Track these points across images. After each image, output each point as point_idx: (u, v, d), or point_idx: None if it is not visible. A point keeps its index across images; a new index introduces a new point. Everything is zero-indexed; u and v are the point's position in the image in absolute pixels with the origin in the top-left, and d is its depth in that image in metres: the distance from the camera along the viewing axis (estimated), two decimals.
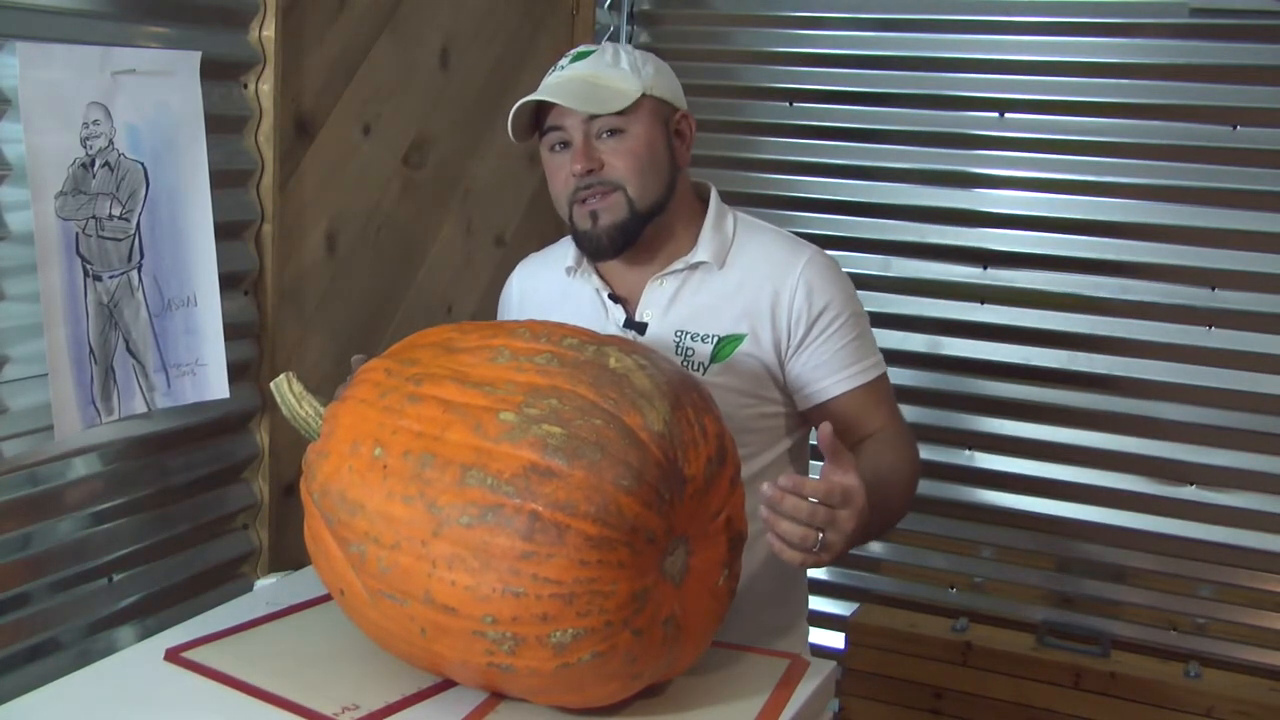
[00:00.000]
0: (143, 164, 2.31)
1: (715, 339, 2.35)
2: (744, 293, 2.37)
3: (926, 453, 3.74)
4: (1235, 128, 3.44)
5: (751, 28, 3.95)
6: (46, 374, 2.18)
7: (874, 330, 3.73)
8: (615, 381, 1.76)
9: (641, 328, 2.39)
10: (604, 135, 2.30)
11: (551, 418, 1.70)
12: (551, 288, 2.52)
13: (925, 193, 3.76)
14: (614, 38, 3.96)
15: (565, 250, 2.50)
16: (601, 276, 2.46)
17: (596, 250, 2.37)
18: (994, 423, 3.75)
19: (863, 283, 3.80)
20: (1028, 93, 3.64)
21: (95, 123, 2.21)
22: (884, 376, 2.44)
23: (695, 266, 2.39)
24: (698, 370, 2.35)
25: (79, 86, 2.19)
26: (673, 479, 1.74)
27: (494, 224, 3.48)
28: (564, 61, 2.39)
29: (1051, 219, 3.64)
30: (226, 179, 2.55)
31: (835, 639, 3.72)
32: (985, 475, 3.77)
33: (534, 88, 2.32)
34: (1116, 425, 3.62)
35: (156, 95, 2.33)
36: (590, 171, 2.29)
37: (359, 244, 2.99)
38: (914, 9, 3.74)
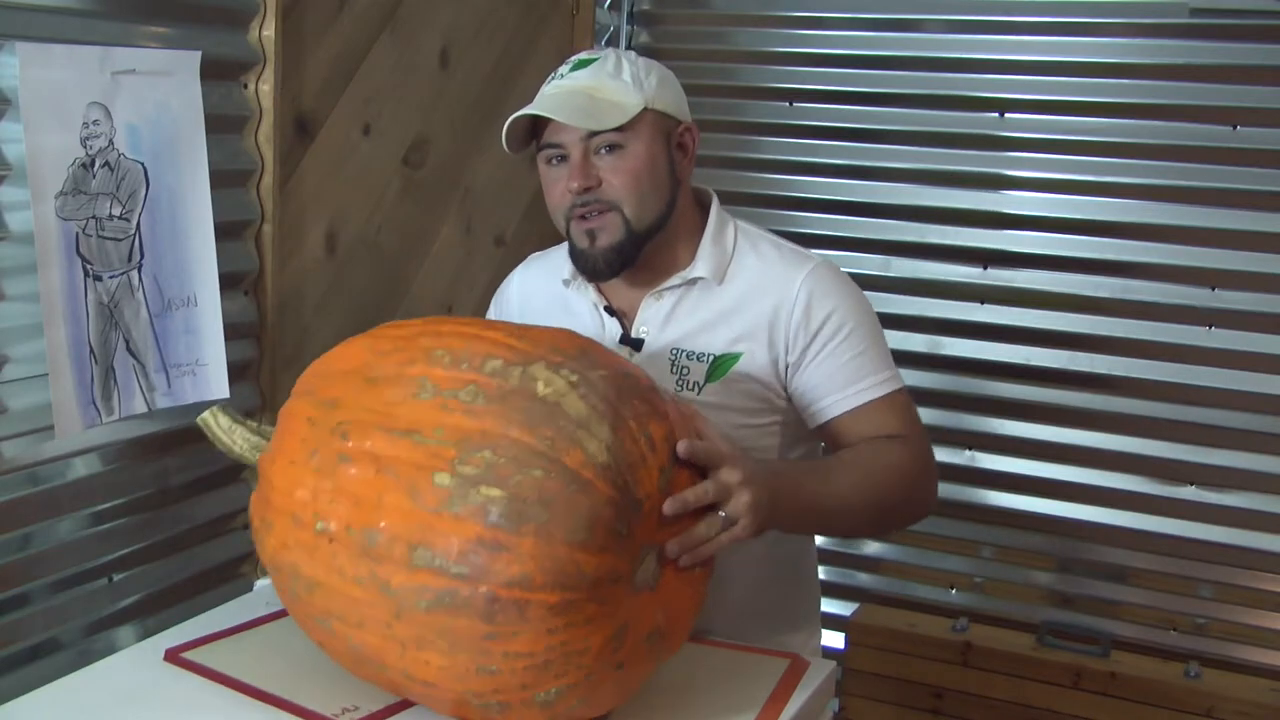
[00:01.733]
0: (143, 164, 2.31)
1: (710, 358, 2.29)
2: (742, 309, 2.30)
3: None
4: (1235, 128, 3.44)
5: (751, 28, 3.95)
6: (47, 374, 2.17)
7: None
8: (548, 414, 1.64)
9: (638, 344, 2.33)
10: (602, 151, 2.21)
11: (489, 476, 1.60)
12: (550, 299, 2.47)
13: (925, 193, 3.76)
14: (614, 38, 3.96)
15: (564, 259, 2.42)
16: (599, 289, 2.39)
17: (593, 271, 2.30)
18: (994, 423, 3.75)
19: (863, 282, 3.77)
20: (1028, 93, 3.64)
21: (95, 123, 2.21)
22: (899, 393, 2.31)
23: (693, 282, 2.32)
24: (692, 390, 2.29)
25: (79, 86, 2.18)
26: (627, 509, 1.66)
27: (494, 224, 3.48)
28: (564, 69, 2.30)
29: (1052, 219, 3.64)
30: (226, 179, 2.55)
31: (835, 639, 3.71)
32: (985, 475, 3.77)
33: (534, 90, 2.29)
34: (1116, 425, 3.63)
35: (156, 95, 2.33)
36: (587, 189, 2.21)
37: (359, 244, 2.99)
38: (914, 9, 3.74)
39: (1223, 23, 3.42)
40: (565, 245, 2.44)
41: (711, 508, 1.83)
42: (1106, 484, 3.66)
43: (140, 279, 2.33)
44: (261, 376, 2.71)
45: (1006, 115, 3.66)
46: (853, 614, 3.81)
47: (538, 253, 2.63)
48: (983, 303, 3.72)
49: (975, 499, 3.78)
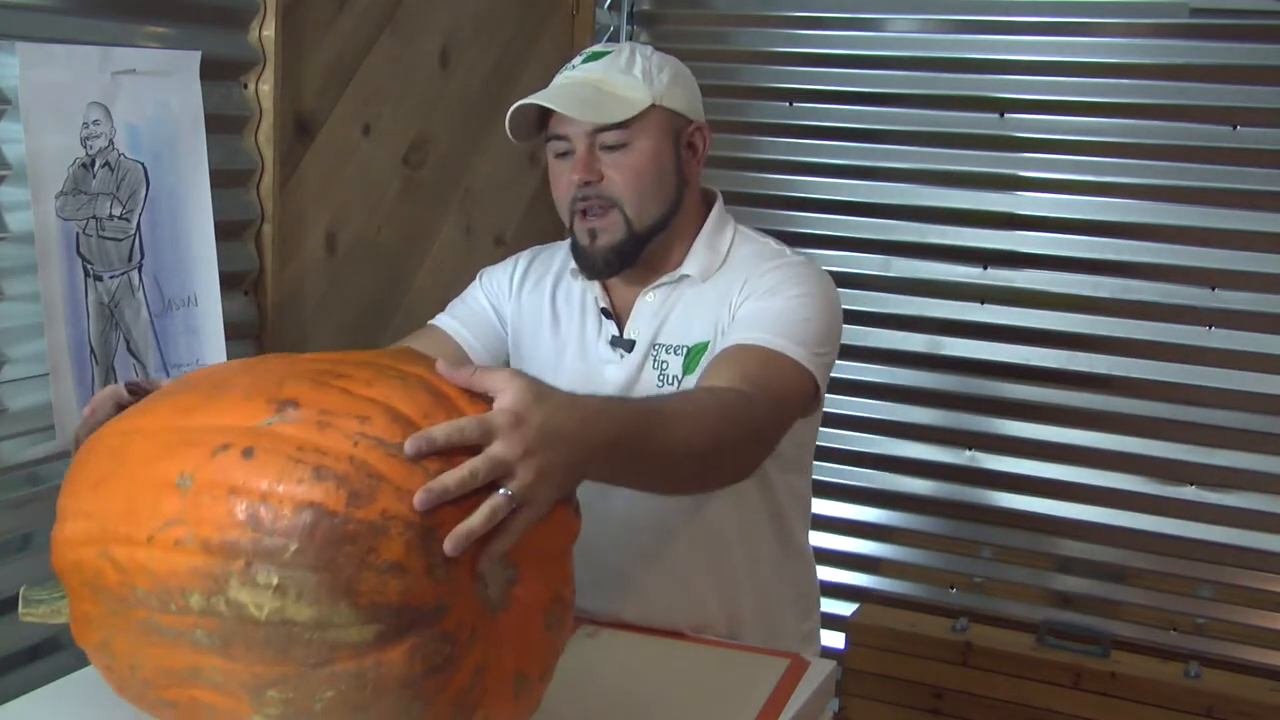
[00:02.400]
0: (143, 164, 2.31)
1: (685, 350, 2.27)
2: (719, 299, 2.27)
3: (926, 453, 3.79)
4: (1235, 128, 3.44)
5: (752, 28, 3.95)
6: (47, 374, 2.17)
7: (875, 330, 3.77)
8: (286, 637, 1.34)
9: (630, 344, 2.32)
10: (607, 147, 2.20)
11: (293, 713, 1.38)
12: (555, 282, 2.45)
13: (925, 193, 3.76)
14: (614, 38, 3.95)
15: (569, 254, 2.40)
16: (603, 285, 2.37)
17: (593, 270, 2.29)
18: (994, 422, 3.75)
19: (863, 282, 3.83)
20: (1028, 93, 3.64)
21: (95, 123, 2.21)
22: (788, 360, 2.09)
23: (680, 280, 2.31)
24: (673, 385, 2.24)
25: (79, 87, 2.18)
26: (440, 641, 1.38)
27: (494, 224, 3.48)
28: (577, 61, 2.29)
29: (1052, 219, 3.64)
30: (227, 179, 2.55)
31: (835, 639, 3.71)
32: (985, 475, 3.78)
33: (535, 88, 2.28)
34: (1116, 425, 3.63)
35: (156, 95, 2.32)
36: (589, 183, 2.20)
37: (359, 244, 2.99)
38: (914, 9, 3.74)
39: (1223, 23, 3.42)
40: (562, 244, 2.45)
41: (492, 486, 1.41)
42: (1107, 484, 3.66)
43: (141, 279, 2.33)
44: None
45: (1006, 115, 3.66)
46: (853, 614, 3.81)
47: (546, 247, 2.59)
48: (983, 303, 3.72)
49: (975, 499, 3.78)
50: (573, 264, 2.38)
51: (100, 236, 2.24)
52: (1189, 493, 3.57)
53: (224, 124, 2.55)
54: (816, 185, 3.89)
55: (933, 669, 3.68)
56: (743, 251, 2.33)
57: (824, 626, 3.61)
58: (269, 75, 2.59)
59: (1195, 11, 3.43)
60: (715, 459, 1.84)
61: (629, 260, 2.26)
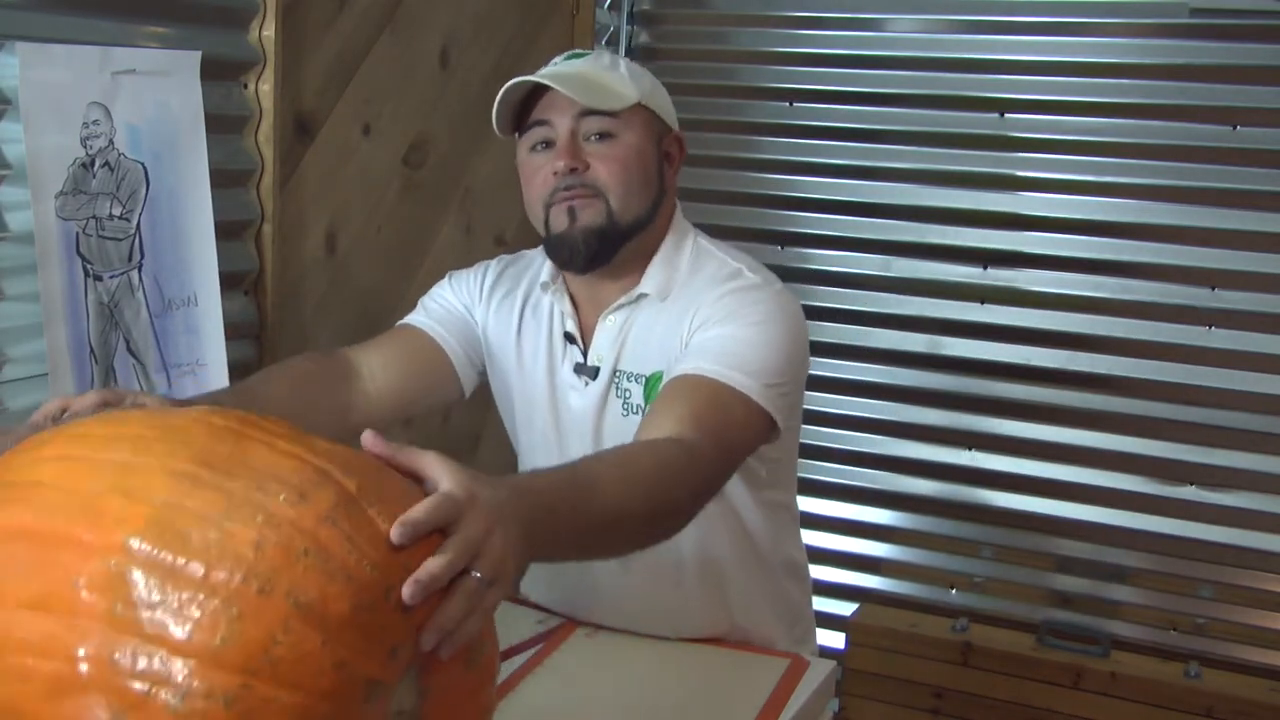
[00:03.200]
0: (143, 164, 2.31)
1: (644, 379, 2.20)
2: (673, 323, 2.18)
3: (926, 453, 3.79)
4: (1235, 128, 3.43)
5: (751, 28, 3.94)
6: (47, 374, 2.17)
7: (875, 330, 3.77)
8: None
9: (594, 371, 2.24)
10: (592, 138, 2.14)
11: None
12: (514, 311, 2.37)
13: (925, 193, 3.76)
14: (614, 38, 3.96)
15: (542, 264, 2.35)
16: (573, 301, 2.29)
17: (570, 255, 2.17)
18: (994, 422, 3.75)
19: (863, 282, 3.84)
20: (1028, 93, 3.63)
21: (95, 123, 2.21)
22: (738, 395, 2.01)
23: (638, 299, 2.23)
24: (636, 413, 2.18)
25: (79, 86, 2.18)
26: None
27: (494, 224, 3.48)
28: (558, 59, 2.25)
29: (1052, 219, 3.64)
30: (227, 179, 2.55)
31: (835, 639, 3.72)
32: (985, 475, 3.77)
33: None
34: (1116, 425, 3.63)
35: (156, 95, 2.33)
36: (573, 171, 2.12)
37: (359, 244, 2.99)
38: (913, 9, 3.73)
39: (1222, 23, 3.42)
40: (538, 257, 2.39)
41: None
42: (1106, 484, 3.66)
43: (140, 279, 2.33)
44: None
45: (1006, 115, 3.66)
46: (853, 614, 3.80)
47: (519, 255, 2.51)
48: (983, 302, 3.72)
49: (975, 499, 3.78)
50: (543, 277, 2.32)
51: (100, 236, 2.24)
52: (1189, 493, 3.57)
53: (224, 124, 2.55)
54: (816, 185, 3.88)
55: (933, 669, 3.67)
56: (702, 270, 2.23)
57: (824, 626, 3.62)
58: (269, 75, 2.59)
59: (1195, 11, 3.43)
60: (652, 521, 1.77)
61: (607, 251, 2.16)
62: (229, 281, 2.55)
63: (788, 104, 3.91)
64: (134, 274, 2.32)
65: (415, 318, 2.44)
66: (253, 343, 2.69)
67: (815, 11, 3.85)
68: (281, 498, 1.22)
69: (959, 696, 3.65)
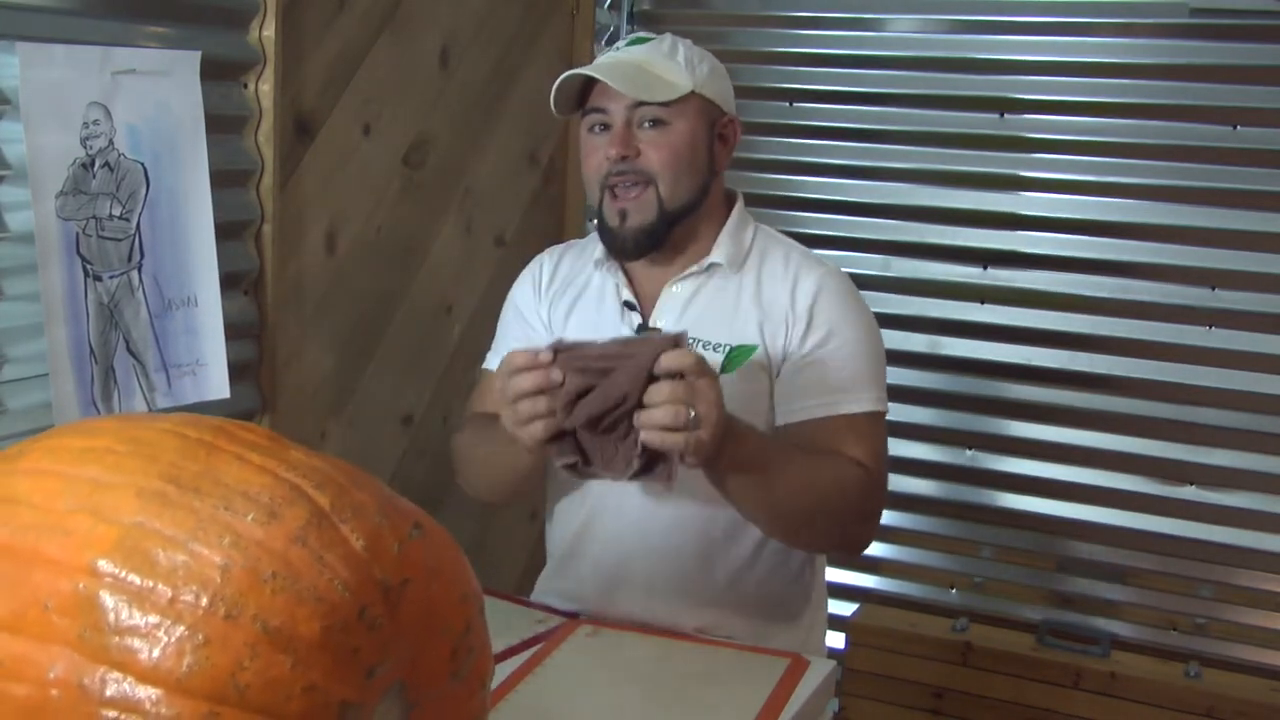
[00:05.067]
0: (143, 164, 2.31)
1: (726, 348, 2.30)
2: (759, 300, 2.33)
3: (926, 453, 3.79)
4: (1236, 127, 3.43)
5: (751, 27, 3.95)
6: (47, 374, 2.18)
7: None
8: None
9: (657, 333, 2.31)
10: (646, 125, 2.26)
11: None
12: (580, 277, 2.49)
13: (925, 193, 3.76)
14: (613, 38, 3.95)
15: (594, 244, 2.46)
16: (626, 273, 2.42)
17: (621, 250, 2.33)
18: (994, 422, 3.75)
19: (863, 283, 3.79)
20: (1028, 93, 3.63)
21: (95, 123, 2.21)
22: (875, 417, 2.31)
23: (710, 269, 2.36)
24: None
25: (79, 86, 2.19)
26: None
27: (494, 224, 3.48)
28: (621, 44, 2.38)
29: (1051, 219, 3.64)
30: (227, 179, 2.55)
31: (835, 639, 3.68)
32: (985, 475, 3.77)
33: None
34: (1116, 425, 3.62)
35: (156, 95, 2.33)
36: (625, 158, 2.25)
37: (359, 244, 2.99)
38: (913, 9, 3.73)
39: (1223, 23, 3.41)
40: (591, 237, 2.49)
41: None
42: (1106, 484, 3.65)
43: (140, 279, 2.33)
44: (261, 377, 2.70)
45: (1006, 115, 3.66)
46: (853, 614, 3.80)
47: (564, 244, 2.65)
48: (983, 303, 3.72)
49: (975, 499, 3.78)
50: (597, 254, 2.43)
51: (100, 236, 2.24)
52: (1189, 492, 3.57)
53: (224, 124, 2.55)
54: (816, 185, 3.88)
55: (933, 669, 3.67)
56: (770, 254, 2.40)
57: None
58: (269, 75, 2.60)
59: (1195, 11, 3.43)
60: (816, 522, 2.21)
61: (657, 242, 2.31)
62: (229, 282, 2.55)
63: (788, 104, 3.91)
64: (134, 274, 2.32)
65: (493, 362, 2.53)
66: (253, 343, 2.69)
67: (815, 11, 3.85)
68: (250, 517, 1.20)
69: (959, 696, 3.65)
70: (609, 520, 2.39)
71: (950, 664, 3.65)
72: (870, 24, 3.80)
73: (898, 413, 3.78)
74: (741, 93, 3.94)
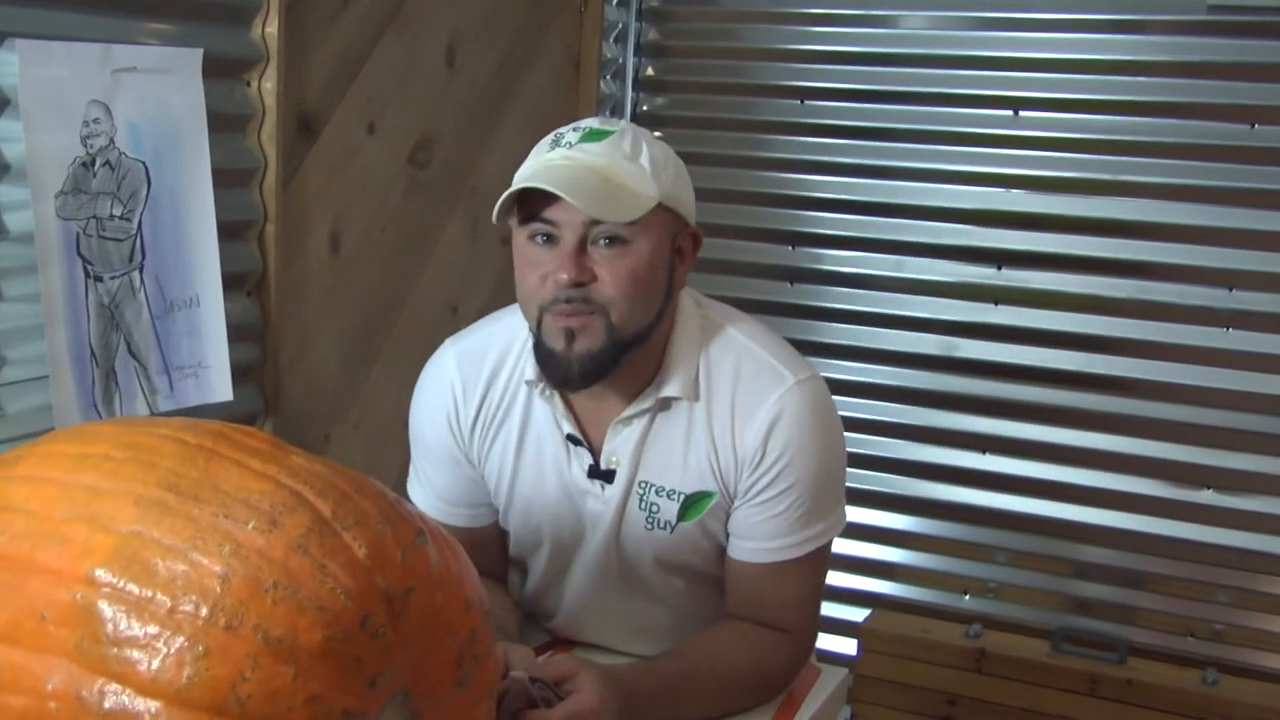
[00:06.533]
0: (144, 163, 2.31)
1: (682, 497, 2.08)
2: (710, 433, 2.06)
3: (940, 456, 3.78)
4: (1254, 126, 3.42)
5: (762, 24, 3.93)
6: (47, 376, 2.18)
7: (887, 331, 3.76)
8: None
9: (609, 475, 2.10)
10: (601, 242, 1.93)
11: None
12: (513, 404, 2.16)
13: (938, 192, 3.75)
14: (622, 35, 3.95)
15: (522, 350, 2.13)
16: (566, 403, 2.10)
17: (564, 379, 1.99)
18: (1008, 425, 3.73)
19: (875, 283, 3.83)
20: (1042, 91, 3.62)
21: (96, 121, 2.21)
22: (816, 554, 2.10)
23: (660, 404, 2.07)
24: (664, 529, 2.10)
25: (79, 84, 2.18)
26: None
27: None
28: (572, 137, 2.00)
29: (1066, 218, 3.62)
30: (229, 178, 2.55)
31: (847, 645, 3.71)
32: (999, 478, 3.76)
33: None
34: (1133, 428, 3.61)
35: (158, 93, 2.32)
36: (578, 284, 1.93)
37: (363, 244, 2.99)
38: (926, 6, 3.72)
39: (1240, 19, 3.40)
40: (492, 328, 2.21)
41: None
42: (1123, 488, 3.64)
43: (142, 280, 2.33)
44: (265, 379, 2.70)
45: (1020, 113, 3.64)
46: (865, 620, 3.79)
47: (460, 345, 2.23)
48: (996, 304, 3.71)
49: (989, 503, 3.76)
50: (528, 374, 2.10)
51: (101, 236, 2.23)
52: (1206, 496, 3.55)
53: (226, 122, 2.55)
54: (828, 184, 3.87)
55: (946, 675, 3.66)
56: (723, 368, 2.09)
57: (836, 632, 3.62)
58: (272, 73, 2.59)
59: (1212, 8, 3.41)
60: (738, 710, 2.06)
61: (605, 371, 1.98)
62: (231, 282, 2.55)
63: (799, 102, 3.90)
64: (135, 275, 2.32)
65: (441, 517, 2.22)
66: (255, 344, 2.69)
67: (827, 8, 3.84)
68: (250, 525, 1.20)
69: (972, 704, 3.64)
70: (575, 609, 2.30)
71: (963, 671, 3.64)
72: (882, 21, 3.78)
73: (910, 416, 3.81)
74: (752, 90, 3.98)
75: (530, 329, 2.03)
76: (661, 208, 1.96)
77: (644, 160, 1.97)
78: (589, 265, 1.93)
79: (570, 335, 1.95)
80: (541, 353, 2.00)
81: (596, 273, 1.93)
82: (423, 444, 2.26)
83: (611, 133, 1.99)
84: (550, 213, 1.94)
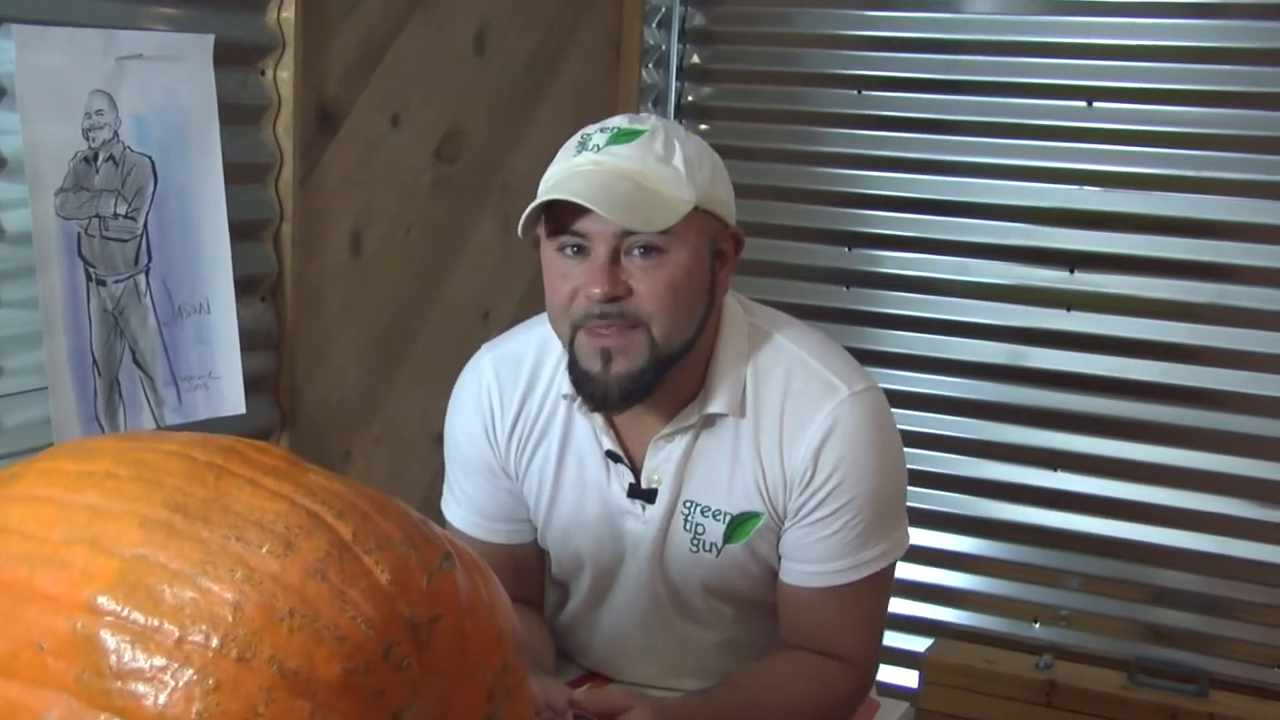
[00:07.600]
0: (150, 158, 2.33)
1: (728, 517, 2.08)
2: (758, 451, 2.06)
3: (1007, 474, 3.74)
4: None
5: (816, 8, 3.92)
6: (45, 387, 2.18)
7: (951, 339, 3.73)
8: None
9: (650, 494, 2.10)
10: (635, 253, 1.91)
11: None
12: (551, 418, 2.16)
13: (1005, 189, 3.73)
14: (665, 20, 3.93)
15: (559, 360, 2.12)
16: (607, 419, 2.09)
17: (602, 401, 1.98)
18: (1081, 440, 3.70)
19: (938, 287, 3.80)
20: (1117, 79, 3.60)
21: (99, 113, 2.23)
22: (876, 577, 2.09)
23: (705, 420, 2.07)
24: (710, 551, 2.10)
25: (81, 73, 2.20)
26: None
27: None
28: (599, 139, 1.99)
29: (1144, 217, 3.60)
30: (242, 174, 2.56)
31: (909, 677, 3.70)
32: (1072, 498, 3.73)
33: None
34: (1214, 443, 3.58)
35: (165, 83, 2.35)
36: (614, 299, 1.91)
37: (387, 245, 2.99)
38: None
39: None
40: (528, 335, 2.21)
41: None
42: (1203, 507, 3.62)
43: (148, 283, 2.35)
44: (280, 390, 2.71)
45: (1095, 104, 3.62)
46: (927, 650, 3.77)
47: (497, 351, 2.24)
48: (1069, 309, 3.68)
49: (1061, 524, 3.74)
50: (565, 388, 2.10)
51: (104, 237, 2.26)
52: None
53: (239, 114, 2.55)
54: (886, 181, 3.86)
55: (1014, 710, 3.64)
56: (773, 381, 2.08)
57: (896, 663, 3.59)
58: (288, 61, 2.60)
59: None
60: None
61: (646, 391, 1.98)
62: (245, 286, 2.55)
63: (855, 92, 3.89)
64: (140, 278, 2.33)
65: (454, 516, 2.28)
66: (270, 354, 2.69)
67: None
68: (264, 549, 1.19)
69: None
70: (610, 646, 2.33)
71: (1033, 704, 3.62)
72: (946, 5, 3.77)
73: (976, 430, 3.78)
74: (805, 80, 3.96)
75: (564, 345, 2.02)
76: (699, 211, 1.94)
77: (677, 161, 1.94)
78: (623, 278, 1.92)
79: (607, 355, 1.93)
80: (576, 373, 1.99)
81: (632, 286, 1.92)
82: (459, 455, 2.25)
83: (642, 132, 1.97)
84: (580, 224, 1.92)
